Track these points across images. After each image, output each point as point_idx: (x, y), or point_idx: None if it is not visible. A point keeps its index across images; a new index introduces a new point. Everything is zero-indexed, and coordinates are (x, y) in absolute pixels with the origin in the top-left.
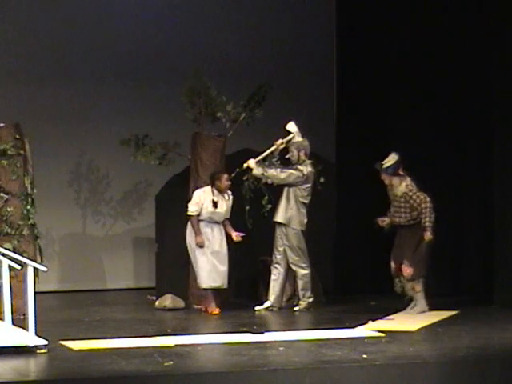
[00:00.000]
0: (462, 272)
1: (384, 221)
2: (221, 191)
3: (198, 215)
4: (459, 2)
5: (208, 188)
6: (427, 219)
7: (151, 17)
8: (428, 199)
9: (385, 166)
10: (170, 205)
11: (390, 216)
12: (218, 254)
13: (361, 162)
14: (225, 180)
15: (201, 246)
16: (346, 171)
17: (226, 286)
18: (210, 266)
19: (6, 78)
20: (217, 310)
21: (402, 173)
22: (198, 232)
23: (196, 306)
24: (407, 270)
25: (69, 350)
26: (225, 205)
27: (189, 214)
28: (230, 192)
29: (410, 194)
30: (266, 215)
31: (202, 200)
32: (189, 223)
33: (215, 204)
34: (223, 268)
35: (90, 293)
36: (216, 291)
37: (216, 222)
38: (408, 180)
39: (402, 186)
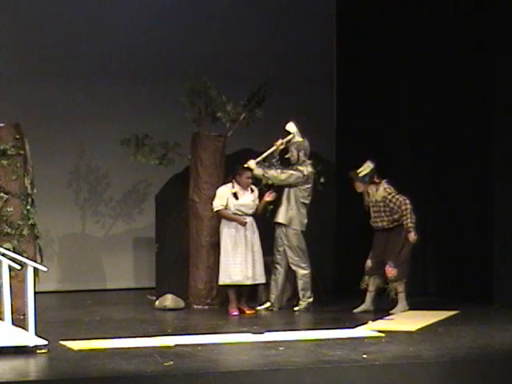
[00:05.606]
0: (462, 272)
1: None
2: (241, 186)
3: (226, 209)
4: (460, 3)
5: (229, 184)
6: (409, 220)
7: (151, 17)
8: (407, 201)
9: (361, 174)
10: (170, 205)
11: (371, 221)
12: (240, 249)
13: (361, 163)
14: (245, 176)
15: (245, 223)
16: (346, 171)
17: (248, 282)
18: (228, 262)
19: (6, 78)
20: (235, 312)
21: (377, 180)
22: (233, 218)
23: (196, 306)
24: (392, 272)
25: (69, 349)
26: (250, 197)
27: (215, 210)
28: (253, 186)
29: (390, 197)
30: (268, 215)
31: (225, 194)
32: (221, 222)
33: (236, 196)
34: (240, 259)
35: (90, 293)
36: (239, 289)
37: (247, 215)
38: (385, 184)
39: (380, 190)
